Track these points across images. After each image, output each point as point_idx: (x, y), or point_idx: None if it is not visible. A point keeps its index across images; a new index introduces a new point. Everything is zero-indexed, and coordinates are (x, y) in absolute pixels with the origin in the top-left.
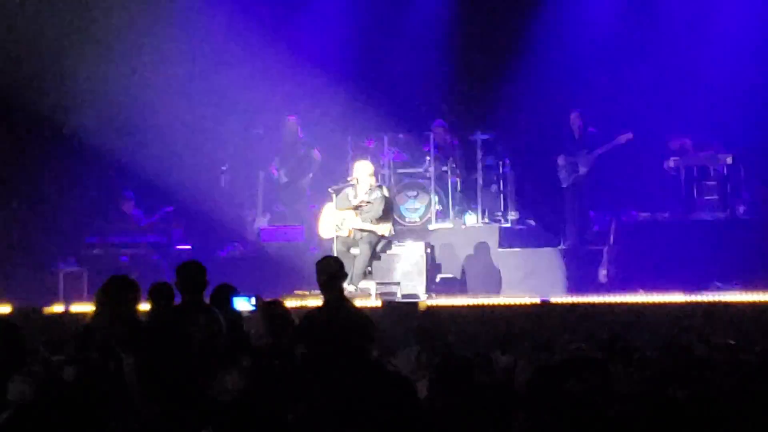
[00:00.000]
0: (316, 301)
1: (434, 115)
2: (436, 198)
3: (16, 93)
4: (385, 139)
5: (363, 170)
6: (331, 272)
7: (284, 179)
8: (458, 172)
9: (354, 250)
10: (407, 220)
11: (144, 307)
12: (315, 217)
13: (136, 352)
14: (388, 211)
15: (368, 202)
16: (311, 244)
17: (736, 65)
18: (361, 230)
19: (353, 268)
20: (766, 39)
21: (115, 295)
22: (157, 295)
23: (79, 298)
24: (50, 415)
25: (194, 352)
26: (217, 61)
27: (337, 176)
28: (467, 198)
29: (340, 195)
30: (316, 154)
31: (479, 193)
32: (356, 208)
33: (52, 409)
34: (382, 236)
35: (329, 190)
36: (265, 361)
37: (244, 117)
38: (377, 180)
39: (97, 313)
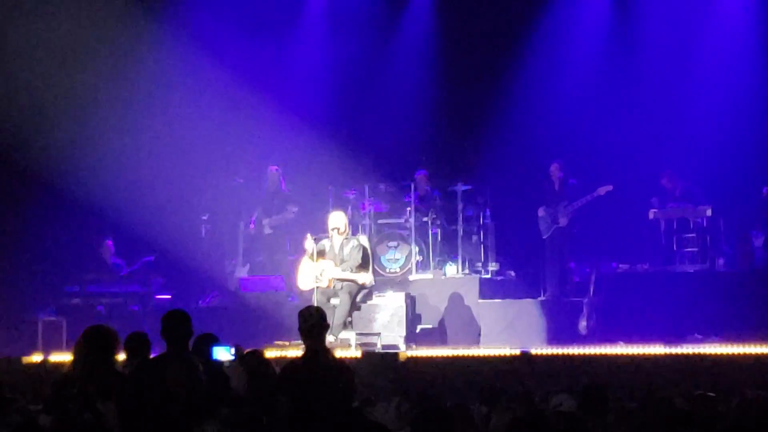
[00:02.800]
0: (296, 351)
1: (415, 165)
2: (417, 248)
3: None
4: (366, 189)
5: (337, 221)
6: (313, 322)
7: (268, 230)
8: (439, 222)
9: (334, 301)
10: (387, 270)
11: (122, 356)
12: (295, 268)
13: (115, 402)
14: (368, 259)
15: (341, 281)
16: (291, 294)
17: (715, 118)
18: (341, 280)
19: (333, 318)
20: (746, 91)
21: (93, 344)
22: (133, 345)
23: (59, 348)
24: None
25: (175, 402)
26: (198, 110)
27: (317, 227)
28: (448, 249)
29: (316, 248)
30: (291, 209)
31: (460, 244)
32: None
33: None
34: (363, 285)
35: (305, 247)
36: (245, 411)
37: (225, 167)
38: (356, 230)
39: (74, 362)
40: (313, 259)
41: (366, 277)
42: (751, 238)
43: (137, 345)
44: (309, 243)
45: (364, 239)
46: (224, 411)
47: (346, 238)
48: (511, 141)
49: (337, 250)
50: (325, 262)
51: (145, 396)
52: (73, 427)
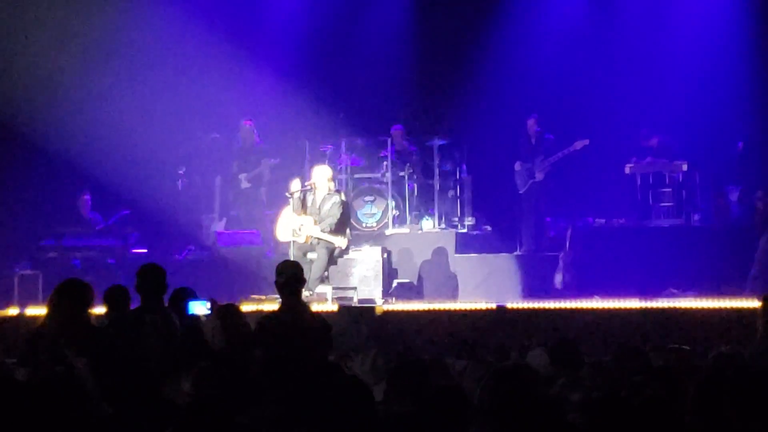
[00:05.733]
0: (272, 305)
1: (392, 120)
2: (393, 203)
3: None
4: (343, 144)
5: (321, 175)
6: (290, 276)
7: (245, 185)
8: (415, 177)
9: (311, 255)
10: (364, 225)
11: (99, 310)
12: (271, 222)
13: (89, 355)
14: (346, 218)
15: (318, 239)
16: (267, 249)
17: (692, 73)
18: (318, 238)
19: (310, 273)
20: (724, 46)
21: (67, 297)
22: (113, 298)
23: (34, 301)
24: (2, 416)
25: (151, 356)
26: (174, 64)
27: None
28: (424, 203)
29: (299, 199)
30: (266, 163)
31: (436, 199)
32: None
33: (4, 409)
34: (339, 248)
35: (287, 194)
36: (221, 364)
37: (201, 121)
38: (335, 185)
39: (48, 316)
40: (293, 211)
41: (342, 241)
42: (726, 192)
43: (117, 298)
44: (295, 184)
45: (344, 196)
46: (200, 364)
47: (328, 194)
48: (488, 96)
49: (318, 205)
50: (305, 217)
51: (119, 350)
52: (46, 381)
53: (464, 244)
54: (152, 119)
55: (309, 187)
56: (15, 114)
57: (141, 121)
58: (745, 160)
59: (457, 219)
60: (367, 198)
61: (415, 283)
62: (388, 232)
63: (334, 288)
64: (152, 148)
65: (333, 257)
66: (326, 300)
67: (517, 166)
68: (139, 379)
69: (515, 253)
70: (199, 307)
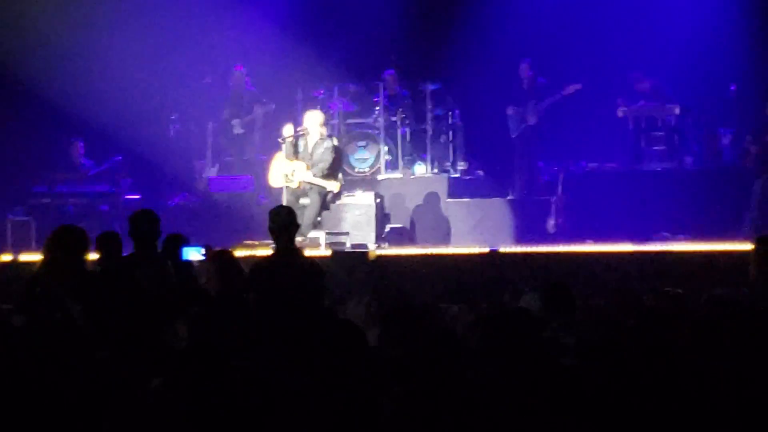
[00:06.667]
0: (265, 251)
1: (384, 65)
2: (386, 148)
3: None
4: (335, 89)
5: (314, 120)
6: (283, 221)
7: (238, 130)
8: (408, 122)
9: (304, 200)
10: (356, 170)
11: (93, 256)
12: (264, 168)
13: (85, 301)
14: (338, 163)
15: (310, 184)
16: (260, 195)
17: (685, 16)
18: (311, 183)
19: (303, 218)
20: None
21: (62, 244)
22: (106, 243)
23: (28, 248)
24: (1, 362)
25: (145, 301)
26: (165, 7)
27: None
28: (416, 148)
29: (291, 144)
30: (259, 109)
31: (428, 144)
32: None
33: (1, 355)
34: (331, 192)
35: (279, 140)
36: (216, 309)
37: (193, 67)
38: (327, 131)
39: (44, 262)
40: (286, 157)
41: (334, 186)
42: (719, 135)
43: (110, 244)
44: (287, 129)
45: (336, 141)
46: (194, 309)
47: (320, 139)
48: (480, 40)
49: (311, 150)
50: (297, 163)
51: (114, 295)
52: (43, 327)
53: (457, 189)
54: (144, 64)
55: (301, 133)
56: (6, 60)
57: (133, 67)
58: (738, 103)
59: (449, 164)
60: (360, 143)
61: (408, 228)
62: (380, 177)
63: (327, 233)
64: (144, 93)
65: (326, 202)
66: (319, 245)
67: (510, 110)
68: (134, 324)
69: (507, 198)
70: (193, 253)
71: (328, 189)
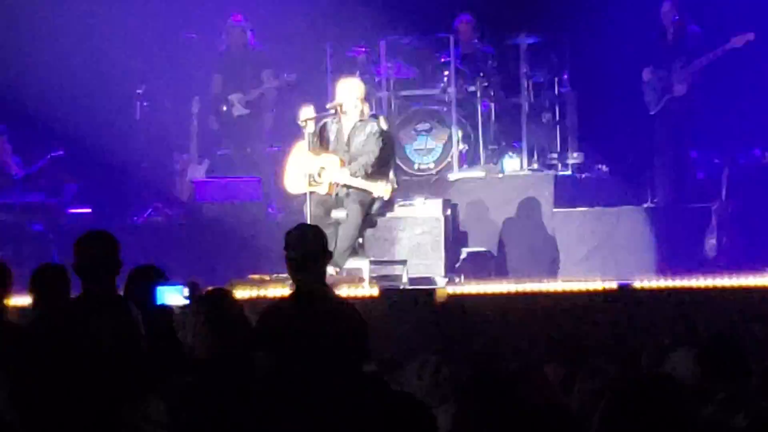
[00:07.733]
0: (280, 290)
1: (456, 8)
2: (460, 133)
3: None
4: (382, 45)
5: (350, 93)
6: (307, 246)
7: (239, 111)
8: (492, 93)
9: (337, 213)
10: (416, 166)
11: (23, 300)
12: (278, 164)
13: (5, 369)
14: (389, 155)
15: (347, 188)
16: (271, 205)
17: None
18: (348, 186)
19: (336, 241)
20: None
21: None
22: (42, 282)
23: None
24: None
25: (102, 366)
26: None
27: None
28: (506, 133)
29: (316, 131)
30: (269, 76)
31: (524, 126)
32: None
33: None
34: (379, 200)
35: (299, 123)
36: (207, 377)
37: (171, 17)
38: (371, 108)
39: None
40: (310, 149)
41: (383, 190)
42: None
43: (48, 283)
44: (306, 112)
45: (384, 122)
46: (175, 380)
47: (360, 121)
48: None
49: (347, 137)
50: (328, 156)
51: (56, 357)
52: None
53: (567, 194)
54: (95, 14)
55: (332, 112)
56: None
57: (80, 20)
58: None
59: (556, 156)
60: (421, 127)
61: (494, 253)
62: (452, 176)
63: (372, 262)
64: (97, 58)
65: (370, 216)
66: (362, 280)
67: (647, 74)
68: (82, 405)
69: (645, 206)
70: (173, 295)
71: (374, 195)
